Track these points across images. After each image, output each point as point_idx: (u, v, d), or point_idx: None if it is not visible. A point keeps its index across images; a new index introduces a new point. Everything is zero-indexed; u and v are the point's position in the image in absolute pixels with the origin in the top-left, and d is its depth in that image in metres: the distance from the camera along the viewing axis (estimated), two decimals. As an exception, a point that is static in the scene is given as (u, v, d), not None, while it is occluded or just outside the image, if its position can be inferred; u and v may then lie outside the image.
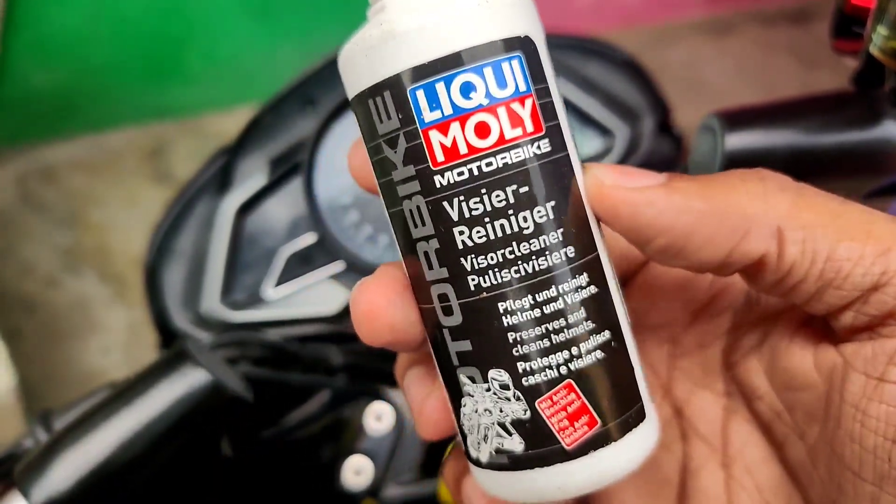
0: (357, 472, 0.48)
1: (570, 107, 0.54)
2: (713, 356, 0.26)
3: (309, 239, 0.52)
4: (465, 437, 0.23)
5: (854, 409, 0.20)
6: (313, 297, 0.51)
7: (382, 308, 0.22)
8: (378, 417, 0.46)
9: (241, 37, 1.80)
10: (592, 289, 0.21)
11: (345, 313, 0.50)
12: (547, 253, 0.21)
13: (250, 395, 0.37)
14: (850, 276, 0.20)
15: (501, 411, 0.21)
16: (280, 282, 0.52)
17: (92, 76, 1.71)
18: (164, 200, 1.81)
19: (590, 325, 0.21)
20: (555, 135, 0.21)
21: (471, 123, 0.20)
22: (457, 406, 0.22)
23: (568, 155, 0.21)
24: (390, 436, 0.46)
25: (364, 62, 0.21)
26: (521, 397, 0.21)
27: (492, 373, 0.21)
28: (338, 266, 0.51)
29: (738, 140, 0.37)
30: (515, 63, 0.20)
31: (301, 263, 0.52)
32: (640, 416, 0.22)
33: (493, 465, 0.22)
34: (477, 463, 0.23)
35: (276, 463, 0.44)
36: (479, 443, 0.22)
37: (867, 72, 0.37)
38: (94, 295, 1.54)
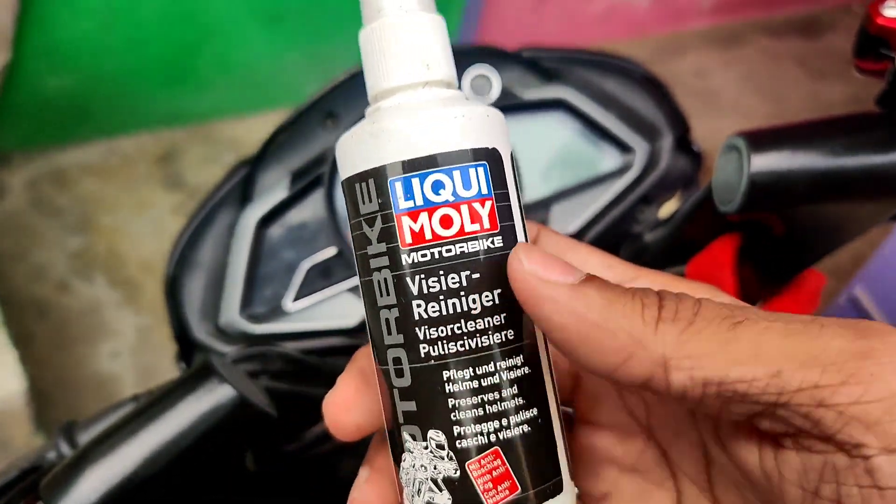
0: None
1: (589, 123, 0.54)
2: (680, 409, 0.27)
3: (329, 252, 0.52)
4: (401, 490, 0.25)
5: None
6: (332, 309, 0.51)
7: (345, 415, 0.26)
8: (397, 432, 0.46)
9: (252, 44, 1.80)
10: (526, 369, 0.24)
11: (364, 326, 0.50)
12: (489, 332, 0.24)
13: (274, 410, 0.37)
14: (747, 394, 0.20)
15: (435, 468, 0.24)
16: (299, 294, 0.52)
17: (104, 82, 1.72)
18: (174, 206, 1.81)
19: (520, 401, 0.24)
20: (508, 233, 0.24)
21: (437, 215, 0.23)
22: (397, 460, 0.25)
23: None
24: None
25: (356, 152, 0.24)
26: (454, 458, 0.24)
27: (431, 433, 0.24)
28: (357, 279, 0.51)
29: (764, 161, 0.37)
30: (481, 170, 0.24)
31: (321, 276, 0.52)
32: (558, 489, 0.25)
33: None
34: None
35: (299, 477, 0.44)
36: (413, 495, 0.25)
37: (894, 93, 0.37)
38: (104, 299, 1.55)
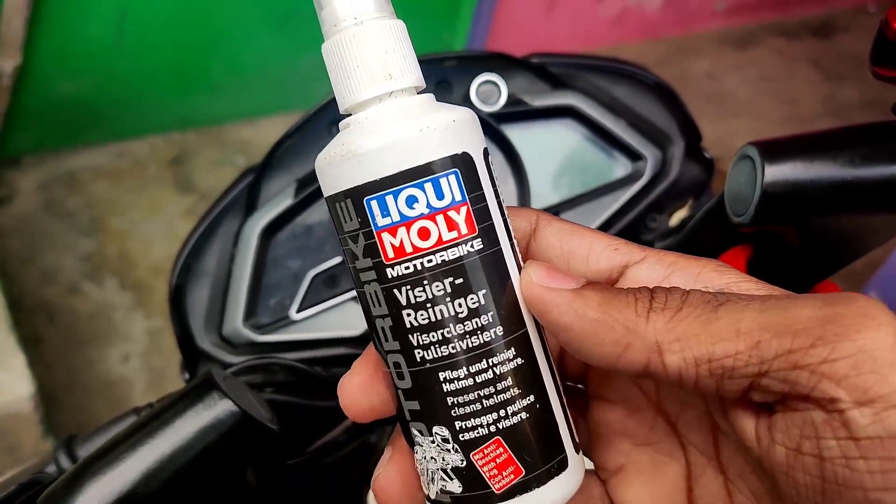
0: (380, 498, 0.47)
1: (599, 130, 0.54)
2: None
3: (335, 260, 0.52)
4: (419, 475, 0.27)
5: (785, 476, 0.22)
6: (338, 318, 0.51)
7: (360, 398, 0.27)
8: (402, 444, 0.46)
9: (263, 47, 1.80)
10: (519, 360, 0.25)
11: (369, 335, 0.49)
12: (479, 332, 0.25)
13: (276, 424, 0.36)
14: (735, 368, 0.22)
15: (444, 460, 0.25)
16: (304, 303, 0.52)
17: (115, 85, 1.72)
18: (186, 209, 1.82)
19: (516, 390, 0.25)
20: (487, 233, 0.25)
21: (414, 228, 0.24)
22: (412, 450, 0.27)
23: (500, 249, 0.25)
24: (415, 463, 0.45)
25: (331, 173, 0.25)
26: (459, 450, 0.25)
27: (435, 428, 0.25)
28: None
29: (778, 172, 0.36)
30: (452, 178, 0.24)
31: (326, 285, 0.52)
32: (563, 466, 0.26)
33: (439, 503, 0.26)
34: (428, 499, 0.27)
35: (302, 489, 0.44)
36: (428, 483, 0.26)
37: (911, 102, 0.36)
38: (115, 302, 1.55)
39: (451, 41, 2.02)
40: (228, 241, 0.52)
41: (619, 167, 0.54)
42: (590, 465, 0.30)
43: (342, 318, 0.51)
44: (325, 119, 0.53)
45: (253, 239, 0.51)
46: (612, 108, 0.54)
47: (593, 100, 0.53)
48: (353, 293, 0.51)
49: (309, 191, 0.52)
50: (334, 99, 0.55)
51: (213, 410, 0.34)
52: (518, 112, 0.53)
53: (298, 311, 0.51)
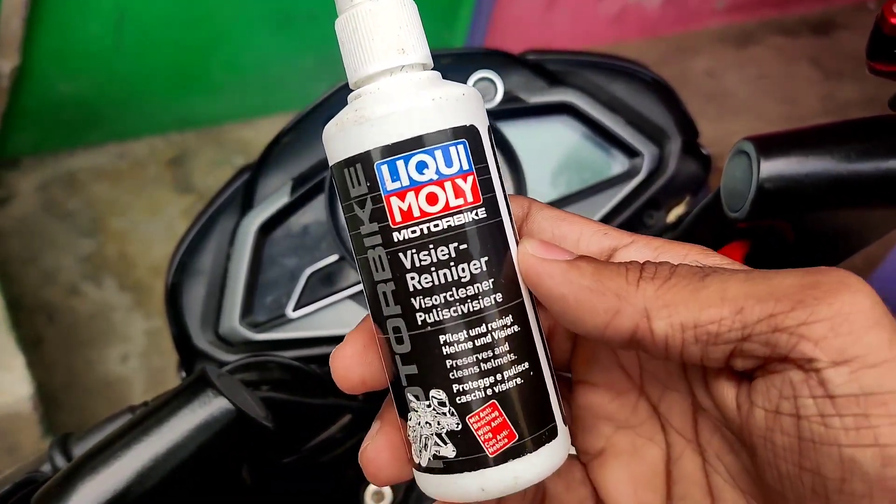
0: (377, 496, 0.47)
1: (596, 127, 0.54)
2: (670, 363, 0.29)
3: (331, 259, 0.52)
4: (409, 445, 0.27)
5: (763, 440, 0.23)
6: (333, 316, 0.51)
7: (353, 368, 0.28)
8: (399, 442, 0.46)
9: (262, 47, 1.80)
10: (515, 328, 0.26)
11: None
12: (479, 297, 0.26)
13: (272, 422, 0.36)
14: (718, 334, 0.23)
15: (439, 424, 0.26)
16: (300, 301, 0.51)
17: (115, 85, 1.72)
18: (185, 209, 1.81)
19: (512, 356, 0.26)
20: (490, 204, 0.26)
21: (423, 193, 0.25)
22: (404, 419, 0.27)
23: (501, 220, 0.26)
24: (411, 461, 0.45)
25: (342, 139, 0.26)
26: (455, 413, 0.26)
27: (432, 392, 0.26)
28: (359, 286, 0.50)
29: (774, 167, 0.36)
30: (461, 147, 0.26)
31: (322, 283, 0.52)
32: (553, 434, 0.27)
33: (430, 469, 0.27)
34: (418, 467, 0.27)
35: (298, 488, 0.44)
36: (420, 450, 0.27)
37: (908, 97, 0.36)
38: (114, 303, 1.55)
39: (449, 39, 2.02)
40: (224, 239, 0.52)
41: (617, 164, 0.54)
42: (572, 450, 0.30)
43: (338, 316, 0.51)
44: (321, 117, 0.53)
45: (249, 237, 0.51)
46: (609, 104, 0.53)
47: (590, 97, 0.53)
48: (350, 291, 0.51)
49: (305, 189, 0.52)
50: (330, 97, 0.55)
51: (207, 408, 0.34)
52: (515, 109, 0.53)
53: (295, 309, 0.51)
